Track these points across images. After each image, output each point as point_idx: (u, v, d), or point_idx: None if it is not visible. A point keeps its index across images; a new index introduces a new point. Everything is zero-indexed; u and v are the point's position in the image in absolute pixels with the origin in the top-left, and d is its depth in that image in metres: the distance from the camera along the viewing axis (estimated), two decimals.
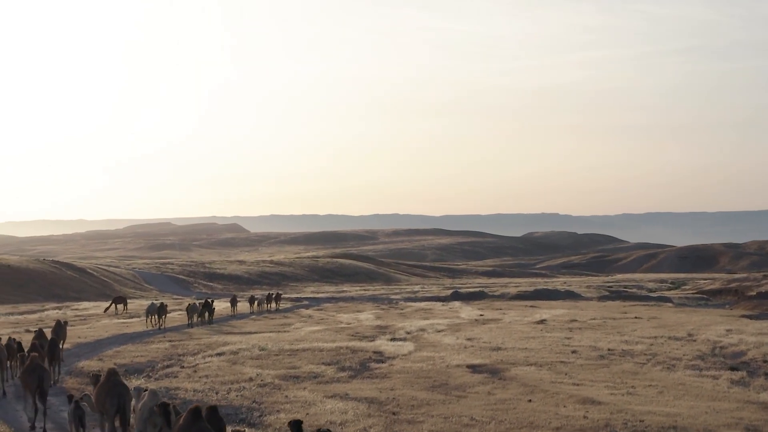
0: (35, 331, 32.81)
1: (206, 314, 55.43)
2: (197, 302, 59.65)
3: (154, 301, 58.07)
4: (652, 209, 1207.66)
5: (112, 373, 19.12)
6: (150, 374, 30.37)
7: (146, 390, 18.12)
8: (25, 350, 28.00)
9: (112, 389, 18.45)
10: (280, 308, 74.78)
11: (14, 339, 30.06)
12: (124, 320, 59.95)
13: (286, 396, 25.31)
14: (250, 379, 28.52)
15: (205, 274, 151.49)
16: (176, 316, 60.67)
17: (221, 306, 76.78)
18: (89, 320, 62.17)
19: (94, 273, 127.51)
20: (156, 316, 52.00)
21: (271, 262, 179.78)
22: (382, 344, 38.89)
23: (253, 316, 63.17)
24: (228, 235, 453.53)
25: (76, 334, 46.03)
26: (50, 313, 71.53)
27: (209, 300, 59.67)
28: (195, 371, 30.71)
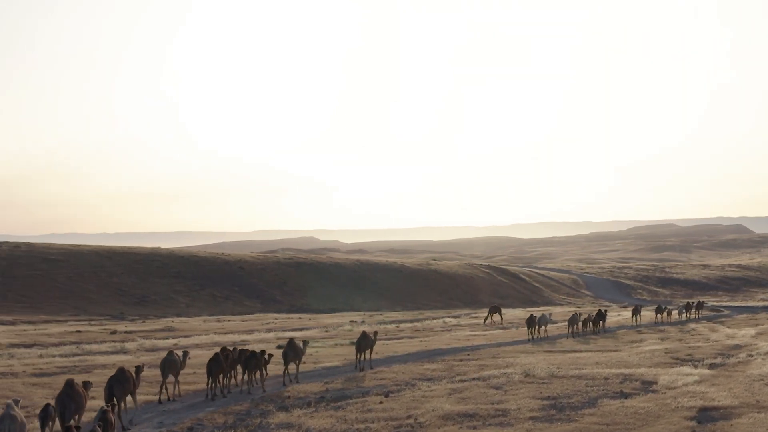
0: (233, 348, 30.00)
1: (600, 323, 54.84)
2: (580, 312, 59.86)
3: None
4: None
5: (68, 384, 20.16)
6: (326, 404, 25.95)
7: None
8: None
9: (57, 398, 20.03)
10: (699, 316, 71.88)
11: (186, 352, 29.79)
12: (479, 332, 56.71)
13: None
14: (408, 417, 23.34)
15: (658, 279, 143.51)
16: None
17: (627, 314, 71.76)
18: (451, 330, 59.67)
19: (526, 278, 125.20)
20: (535, 327, 50.25)
21: (738, 266, 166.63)
22: (672, 372, 31.33)
23: (659, 327, 59.34)
24: (730, 237, 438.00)
25: (388, 349, 43.17)
26: (433, 323, 69.73)
27: (602, 309, 58.03)
28: (381, 402, 25.86)
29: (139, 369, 24.55)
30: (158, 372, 28.24)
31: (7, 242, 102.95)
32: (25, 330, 59.79)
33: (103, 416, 18.20)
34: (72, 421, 19.70)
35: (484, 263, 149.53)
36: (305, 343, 33.33)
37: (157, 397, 26.94)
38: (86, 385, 21.70)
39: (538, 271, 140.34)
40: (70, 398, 19.88)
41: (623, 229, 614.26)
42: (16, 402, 18.84)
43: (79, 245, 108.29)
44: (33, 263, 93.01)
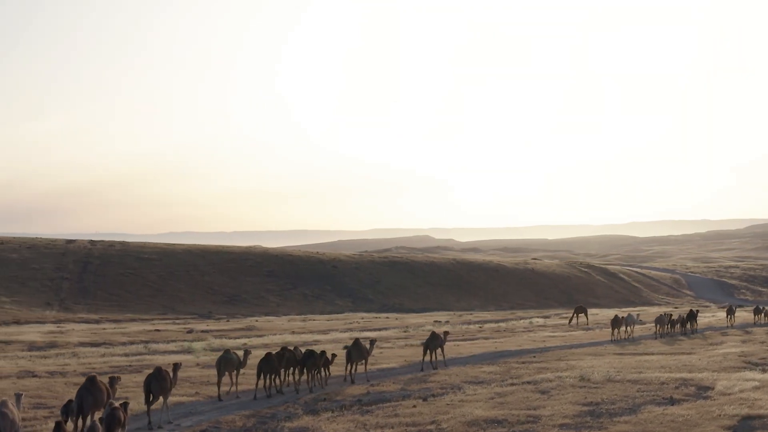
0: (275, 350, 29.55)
1: (689, 324, 53.74)
2: (668, 313, 57.25)
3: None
4: None
5: (89, 379, 20.40)
6: (357, 408, 25.30)
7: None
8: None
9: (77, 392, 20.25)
10: None
11: (248, 351, 29.44)
12: (559, 333, 55.50)
13: None
14: (431, 423, 22.50)
15: (765, 279, 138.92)
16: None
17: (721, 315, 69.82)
18: (533, 331, 58.69)
19: (625, 278, 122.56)
20: (619, 328, 49.61)
21: None
22: (734, 377, 29.71)
23: (748, 328, 57.01)
24: None
25: (455, 350, 42.47)
26: (518, 323, 68.75)
27: (694, 310, 57.35)
28: (414, 407, 25.06)
29: (176, 367, 24.30)
30: (212, 372, 28.08)
31: (102, 241, 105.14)
32: (104, 329, 60.54)
33: (110, 413, 18.16)
34: (83, 418, 19.77)
35: (583, 262, 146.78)
36: (372, 343, 33.31)
37: (188, 398, 26.94)
38: (112, 381, 21.72)
39: (638, 270, 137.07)
40: (89, 393, 19.96)
41: (741, 227, 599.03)
42: (18, 397, 18.73)
43: (173, 244, 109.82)
44: (126, 262, 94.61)
